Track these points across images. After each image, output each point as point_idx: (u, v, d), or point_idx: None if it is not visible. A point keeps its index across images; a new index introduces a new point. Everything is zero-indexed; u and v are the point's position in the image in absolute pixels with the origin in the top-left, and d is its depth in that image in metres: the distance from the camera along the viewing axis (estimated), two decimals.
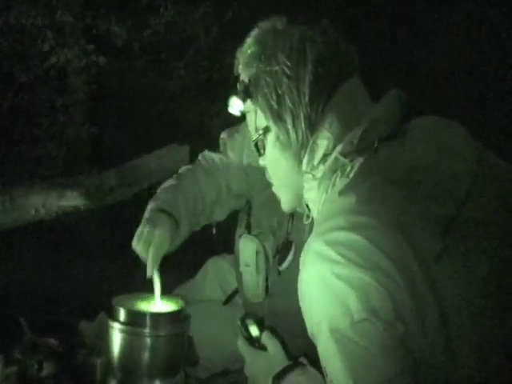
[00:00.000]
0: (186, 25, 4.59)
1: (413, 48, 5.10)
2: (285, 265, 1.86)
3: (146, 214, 1.86)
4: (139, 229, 1.79)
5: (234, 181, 2.05)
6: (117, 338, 1.70)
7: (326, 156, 1.15)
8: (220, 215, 2.10)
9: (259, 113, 1.24)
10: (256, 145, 1.28)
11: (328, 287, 0.99)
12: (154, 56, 4.78)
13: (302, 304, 1.09)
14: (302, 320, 1.89)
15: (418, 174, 1.08)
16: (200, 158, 2.14)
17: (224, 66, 4.81)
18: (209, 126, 5.18)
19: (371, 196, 1.04)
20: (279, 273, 1.88)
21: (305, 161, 1.18)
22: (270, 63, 1.19)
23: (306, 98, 1.15)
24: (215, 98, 5.33)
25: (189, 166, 2.12)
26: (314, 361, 1.26)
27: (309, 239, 1.06)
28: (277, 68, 1.18)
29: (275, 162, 1.26)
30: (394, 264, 0.96)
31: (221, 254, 2.33)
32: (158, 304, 1.79)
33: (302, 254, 1.07)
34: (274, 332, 1.38)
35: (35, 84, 4.52)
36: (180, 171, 2.10)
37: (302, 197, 1.24)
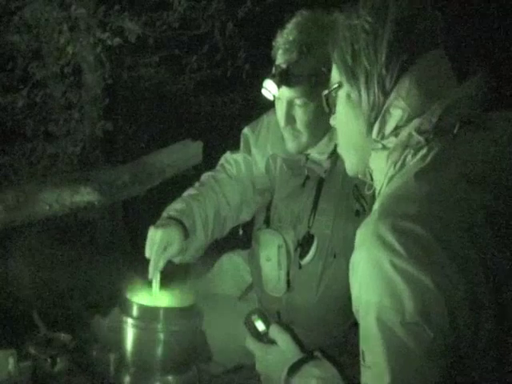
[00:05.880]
0: (200, 20, 4.58)
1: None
2: (307, 259, 1.86)
3: (158, 221, 1.85)
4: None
5: (258, 176, 2.03)
6: (130, 333, 1.70)
7: (398, 128, 1.08)
8: (247, 214, 2.07)
9: (334, 67, 1.18)
10: (327, 101, 1.22)
11: (383, 275, 0.95)
12: (168, 52, 4.78)
13: (351, 277, 1.04)
14: (319, 314, 1.88)
15: (498, 172, 1.03)
16: (223, 161, 2.09)
17: (238, 62, 4.80)
18: (222, 122, 5.18)
19: (448, 190, 0.99)
20: (300, 267, 1.88)
21: (375, 128, 1.11)
22: (350, 17, 1.13)
23: (383, 58, 1.08)
24: (229, 93, 5.32)
25: (211, 172, 2.08)
26: (329, 356, 1.25)
27: (372, 216, 1.01)
28: (356, 22, 1.11)
29: (345, 121, 1.19)
30: (458, 268, 0.92)
31: (235, 249, 2.32)
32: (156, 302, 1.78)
33: (360, 231, 1.02)
34: (282, 325, 1.36)
35: (50, 81, 4.54)
36: (202, 178, 2.07)
37: (366, 164, 1.17)
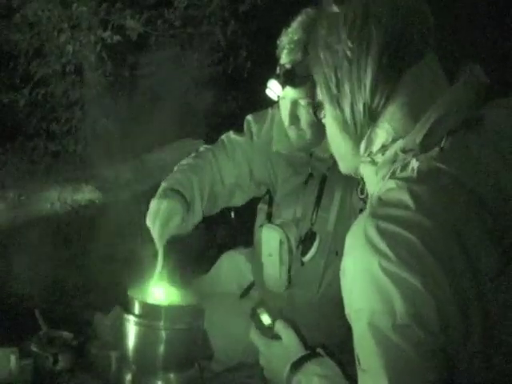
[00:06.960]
0: (201, 18, 4.58)
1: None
2: (308, 256, 1.86)
3: (158, 192, 1.85)
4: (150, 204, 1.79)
5: (257, 166, 2.02)
6: (131, 330, 1.69)
7: (384, 147, 1.06)
8: (240, 200, 2.07)
9: (318, 87, 1.14)
10: (315, 113, 1.19)
11: (373, 279, 0.95)
12: (170, 50, 4.78)
13: (342, 282, 1.04)
14: (320, 312, 1.88)
15: (489, 181, 1.01)
16: (224, 137, 2.07)
17: (240, 60, 4.79)
18: (224, 121, 5.18)
19: (436, 198, 0.98)
20: (302, 263, 1.88)
21: (362, 146, 1.09)
22: (331, 35, 1.08)
23: (367, 89, 1.04)
24: (230, 92, 5.32)
25: (210, 146, 2.07)
26: (331, 353, 1.25)
27: (362, 217, 1.01)
28: (337, 47, 1.06)
29: (332, 136, 1.17)
30: (445, 273, 0.92)
31: (236, 247, 2.32)
32: (157, 281, 1.78)
33: (351, 232, 1.02)
34: (288, 320, 1.36)
35: (51, 79, 4.54)
36: (200, 149, 2.06)
37: (357, 170, 1.16)
